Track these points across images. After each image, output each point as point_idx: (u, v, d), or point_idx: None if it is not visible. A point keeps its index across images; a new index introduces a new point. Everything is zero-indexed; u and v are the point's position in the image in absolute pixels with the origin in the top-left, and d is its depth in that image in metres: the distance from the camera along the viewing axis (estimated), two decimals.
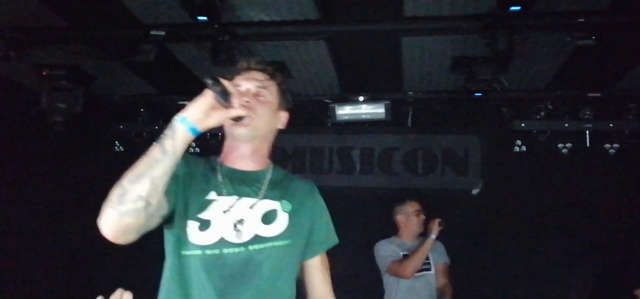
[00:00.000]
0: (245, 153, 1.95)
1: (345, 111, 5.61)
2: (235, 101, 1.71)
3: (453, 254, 5.35)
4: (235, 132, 1.89)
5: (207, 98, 1.66)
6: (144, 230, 1.67)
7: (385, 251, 4.58)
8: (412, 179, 5.91)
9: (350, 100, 5.63)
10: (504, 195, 5.56)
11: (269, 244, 1.84)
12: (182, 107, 5.46)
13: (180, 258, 1.80)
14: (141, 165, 1.61)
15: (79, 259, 5.47)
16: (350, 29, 4.26)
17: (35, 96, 5.00)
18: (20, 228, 5.21)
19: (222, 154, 2.00)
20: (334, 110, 5.61)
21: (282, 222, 1.89)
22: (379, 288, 4.70)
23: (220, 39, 4.19)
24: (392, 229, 5.39)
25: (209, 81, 1.66)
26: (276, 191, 1.95)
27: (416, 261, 4.40)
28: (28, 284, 5.07)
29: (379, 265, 4.60)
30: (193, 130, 1.65)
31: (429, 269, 4.54)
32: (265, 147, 2.02)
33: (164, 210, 1.74)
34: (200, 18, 3.83)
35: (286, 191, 1.97)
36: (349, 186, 5.91)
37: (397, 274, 4.46)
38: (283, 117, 2.06)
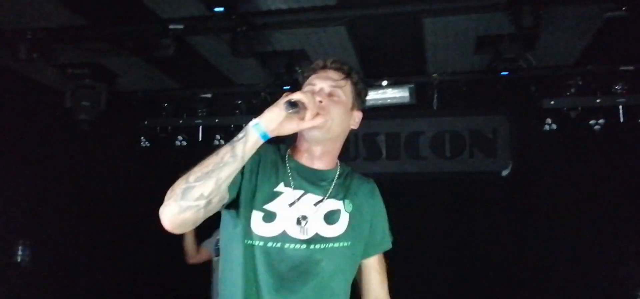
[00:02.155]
0: (315, 153, 1.94)
1: (368, 96, 5.48)
2: (309, 114, 1.71)
3: (484, 237, 5.27)
4: (308, 135, 1.88)
5: (282, 110, 1.67)
6: (201, 222, 1.72)
7: None
8: (440, 162, 5.81)
9: (374, 85, 5.53)
10: (534, 175, 5.43)
11: (330, 244, 1.84)
12: (205, 100, 5.47)
13: (244, 247, 1.81)
14: (210, 164, 1.65)
15: (108, 254, 5.53)
16: (369, 13, 4.17)
17: (60, 96, 5.06)
18: (51, 225, 5.29)
19: (294, 149, 1.98)
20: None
21: (343, 223, 1.88)
22: (403, 274, 4.64)
23: (239, 29, 4.16)
24: (421, 215, 5.35)
25: (286, 107, 1.67)
26: (341, 190, 1.94)
27: (185, 249, 4.57)
28: (57, 279, 5.16)
29: None
30: (265, 136, 1.68)
31: (218, 255, 4.48)
32: (336, 148, 1.99)
33: (224, 201, 1.76)
34: (216, 9, 3.81)
35: (349, 190, 1.96)
36: (376, 172, 5.84)
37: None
38: (357, 117, 2.01)
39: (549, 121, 5.38)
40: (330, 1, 3.97)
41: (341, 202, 1.91)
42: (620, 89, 5.13)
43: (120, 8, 4.13)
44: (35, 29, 4.35)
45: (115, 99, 5.33)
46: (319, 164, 1.94)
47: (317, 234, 1.83)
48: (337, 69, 1.95)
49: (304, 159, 1.94)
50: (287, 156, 1.95)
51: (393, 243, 2.06)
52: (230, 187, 1.73)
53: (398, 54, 5.03)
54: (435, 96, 5.64)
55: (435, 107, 5.67)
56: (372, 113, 5.71)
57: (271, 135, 1.68)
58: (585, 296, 5.04)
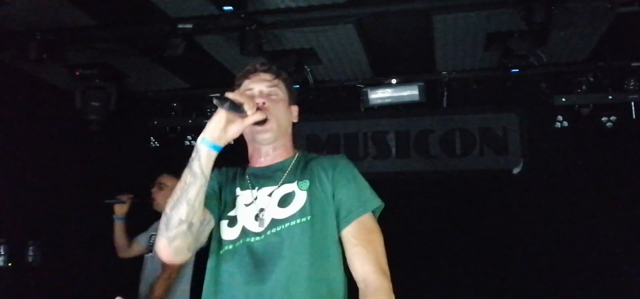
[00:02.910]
0: (268, 152, 2.04)
1: (378, 95, 5.51)
2: (248, 109, 1.78)
3: (495, 236, 5.23)
4: (259, 138, 1.99)
5: (220, 115, 1.76)
6: (198, 246, 1.87)
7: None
8: (450, 161, 5.78)
9: (383, 83, 5.52)
10: (546, 173, 5.39)
11: (286, 224, 1.86)
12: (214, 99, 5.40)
13: (217, 258, 1.92)
14: (177, 191, 1.77)
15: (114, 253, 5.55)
16: (378, 10, 4.14)
17: (70, 96, 5.08)
18: (62, 225, 5.31)
19: (250, 159, 2.10)
20: (366, 94, 5.52)
21: (298, 201, 1.90)
22: (413, 273, 4.63)
23: (248, 28, 4.15)
24: (431, 214, 5.32)
25: (217, 102, 1.75)
26: (296, 174, 1.99)
27: (114, 242, 4.58)
28: (67, 278, 5.19)
29: None
30: (215, 147, 1.77)
31: (150, 252, 4.49)
32: (286, 141, 2.09)
33: (211, 225, 1.91)
34: (225, 8, 3.81)
35: (305, 172, 1.99)
36: (385, 171, 5.82)
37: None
38: (295, 111, 2.15)
39: (560, 118, 5.32)
40: None
41: (295, 183, 1.95)
42: (632, 85, 5.07)
43: (130, 8, 4.13)
44: (45, 30, 4.36)
45: (124, 99, 5.34)
46: (274, 159, 2.04)
47: (272, 220, 1.88)
48: (267, 71, 2.07)
49: (259, 163, 2.05)
50: (247, 168, 2.08)
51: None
52: (210, 206, 1.89)
53: (407, 52, 5.01)
54: (445, 93, 5.61)
55: (445, 105, 5.64)
56: (381, 112, 5.71)
57: (220, 143, 1.77)
58: (599, 294, 4.99)
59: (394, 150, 5.91)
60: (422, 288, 5.11)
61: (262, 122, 1.90)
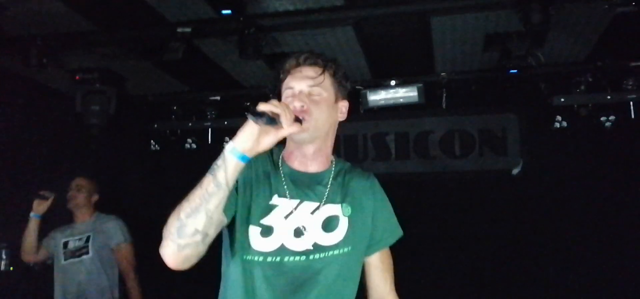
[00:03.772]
0: (308, 154, 1.89)
1: (377, 97, 5.53)
2: (285, 121, 1.61)
3: (495, 237, 5.24)
4: (296, 137, 1.83)
5: (254, 126, 1.59)
6: (205, 253, 1.69)
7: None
8: (450, 162, 5.79)
9: (382, 85, 5.53)
10: (545, 173, 5.40)
11: (330, 253, 1.81)
12: (214, 102, 5.50)
13: (243, 263, 1.79)
14: (196, 197, 1.61)
15: None
16: (377, 12, 4.16)
17: (71, 100, 5.10)
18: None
19: (285, 152, 1.93)
20: (366, 96, 5.54)
21: (342, 229, 1.84)
22: (412, 274, 4.63)
23: (246, 31, 4.17)
24: (431, 215, 5.33)
25: (251, 117, 1.58)
26: (338, 192, 1.89)
27: (23, 242, 4.28)
28: None
29: None
30: (244, 158, 1.61)
31: (86, 252, 4.26)
32: (328, 145, 1.94)
33: (223, 224, 1.74)
34: (224, 12, 3.83)
35: (347, 191, 1.90)
36: (385, 173, 5.83)
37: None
38: (343, 107, 1.95)
39: (559, 118, 5.34)
40: (337, 2, 3.97)
41: (339, 206, 1.86)
42: (631, 85, 5.09)
43: (129, 12, 4.15)
44: (46, 35, 4.39)
45: (124, 103, 5.36)
46: (312, 167, 1.90)
47: (315, 244, 1.80)
48: (312, 65, 1.88)
49: (296, 164, 1.90)
50: (280, 162, 1.91)
51: (403, 238, 1.99)
52: (225, 211, 1.69)
53: (406, 53, 5.02)
54: (444, 95, 5.63)
55: (444, 106, 5.66)
56: (380, 113, 5.72)
57: (250, 155, 1.62)
58: (598, 293, 4.99)
59: (393, 151, 5.93)
60: (422, 289, 5.11)
61: (297, 121, 1.71)
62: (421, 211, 5.41)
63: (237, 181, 1.72)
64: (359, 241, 1.88)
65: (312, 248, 1.79)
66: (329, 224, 1.83)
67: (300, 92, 1.84)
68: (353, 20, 4.24)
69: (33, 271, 4.96)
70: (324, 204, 1.85)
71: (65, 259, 4.28)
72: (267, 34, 4.29)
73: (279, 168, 1.89)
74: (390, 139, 5.95)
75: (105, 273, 4.28)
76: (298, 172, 1.89)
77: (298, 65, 1.88)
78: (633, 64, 5.05)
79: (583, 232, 5.12)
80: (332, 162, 1.95)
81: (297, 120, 1.69)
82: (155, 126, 6.10)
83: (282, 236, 1.79)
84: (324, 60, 1.90)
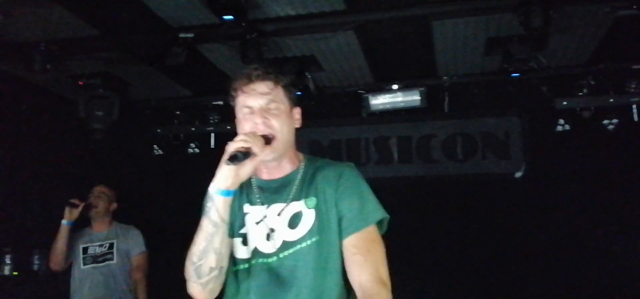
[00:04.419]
0: (272, 165, 1.95)
1: (379, 101, 5.54)
2: (257, 149, 1.74)
3: (498, 240, 5.23)
4: (267, 158, 1.88)
5: (229, 166, 1.73)
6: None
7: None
8: (452, 165, 5.79)
9: (384, 89, 5.54)
10: (548, 177, 5.39)
11: (297, 246, 1.84)
12: (217, 107, 5.50)
13: (232, 274, 1.91)
14: (201, 240, 1.77)
15: None
16: (378, 17, 4.17)
17: (74, 106, 5.12)
18: None
19: (255, 170, 1.97)
20: (367, 100, 5.55)
21: (306, 221, 1.87)
22: (416, 277, 4.63)
23: (248, 36, 4.18)
24: (434, 218, 5.33)
25: (228, 163, 1.71)
26: (303, 189, 1.92)
27: (54, 249, 4.31)
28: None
29: None
30: (229, 193, 1.76)
31: (111, 259, 4.39)
32: (291, 152, 1.99)
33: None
34: (226, 17, 3.84)
35: (313, 185, 1.92)
36: (388, 177, 5.83)
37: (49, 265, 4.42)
38: (297, 115, 2.00)
39: (561, 121, 5.32)
40: (338, 6, 3.98)
41: (302, 201, 1.90)
42: (633, 87, 5.08)
43: (132, 18, 4.18)
44: (49, 41, 4.41)
45: (128, 108, 5.38)
46: (279, 173, 1.96)
47: (283, 242, 1.86)
48: (263, 80, 1.90)
49: (265, 174, 1.97)
50: (253, 176, 1.97)
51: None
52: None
53: (408, 57, 5.03)
54: (446, 98, 5.63)
55: (446, 110, 5.66)
56: (383, 117, 5.74)
57: (234, 188, 1.76)
58: (601, 295, 4.98)
59: (396, 155, 5.93)
60: (425, 293, 5.12)
61: (267, 142, 1.82)
62: (424, 215, 5.42)
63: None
64: (327, 230, 1.86)
65: (281, 246, 1.86)
66: (294, 221, 1.88)
67: (260, 108, 1.87)
68: (354, 25, 4.25)
69: (37, 276, 4.99)
70: (289, 203, 1.91)
71: (84, 264, 4.42)
72: (269, 38, 4.31)
73: (251, 180, 1.96)
74: (393, 143, 5.95)
75: (125, 279, 4.46)
76: (267, 181, 1.97)
77: (250, 81, 1.90)
78: (635, 66, 5.04)
79: (586, 235, 5.11)
80: (300, 162, 2.00)
81: (267, 141, 1.82)
82: (159, 130, 6.11)
83: (255, 241, 1.90)
84: (274, 73, 1.93)
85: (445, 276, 5.35)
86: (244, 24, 4.10)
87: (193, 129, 6.02)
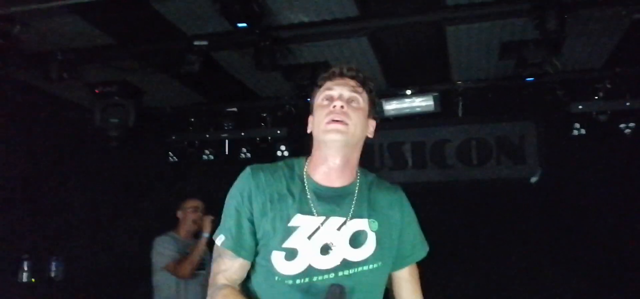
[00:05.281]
0: (335, 166, 1.83)
1: (393, 106, 5.52)
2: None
3: (513, 244, 5.19)
4: (328, 138, 1.78)
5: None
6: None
7: (165, 248, 4.41)
8: (467, 170, 5.77)
9: (398, 94, 5.53)
10: (564, 182, 5.34)
11: (359, 268, 1.79)
12: (231, 114, 5.50)
13: (272, 284, 1.79)
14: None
15: (138, 267, 5.61)
16: (391, 23, 4.18)
17: (90, 114, 5.18)
18: (83, 240, 5.40)
19: (310, 163, 1.89)
20: (381, 105, 5.53)
21: (370, 244, 1.82)
22: (431, 283, 4.59)
23: (262, 44, 4.21)
24: (448, 225, 5.29)
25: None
26: (364, 206, 1.86)
27: (192, 260, 4.31)
28: (89, 293, 5.27)
29: (154, 261, 4.42)
30: None
31: (203, 269, 4.38)
32: (355, 157, 1.89)
33: (248, 266, 1.85)
34: (240, 25, 3.86)
35: (374, 205, 1.88)
36: (402, 182, 5.75)
37: (175, 273, 4.35)
38: (372, 126, 1.93)
39: (577, 125, 5.26)
40: (351, 13, 3.99)
41: (366, 221, 1.83)
42: None
43: (147, 26, 4.23)
44: (65, 50, 4.47)
45: (143, 116, 5.42)
46: (338, 181, 1.85)
47: (344, 260, 1.77)
48: (353, 77, 1.88)
49: (321, 177, 1.85)
50: (304, 175, 1.87)
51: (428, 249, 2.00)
52: (245, 257, 1.81)
53: (422, 62, 5.02)
54: (461, 103, 5.60)
55: (460, 115, 5.62)
56: (397, 123, 5.71)
57: None
58: None
59: (410, 161, 5.92)
60: (440, 297, 5.09)
61: (337, 121, 1.75)
62: (439, 220, 5.37)
63: (250, 214, 1.79)
64: (387, 257, 1.86)
65: (340, 264, 1.77)
66: (356, 240, 1.80)
67: (341, 95, 1.83)
68: (368, 31, 4.27)
69: (54, 282, 5.03)
70: (350, 219, 1.82)
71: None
72: (283, 45, 4.33)
73: (304, 182, 1.85)
74: (407, 149, 5.94)
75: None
76: (324, 187, 1.84)
77: (341, 73, 1.89)
78: None
79: (603, 239, 5.06)
80: (357, 174, 1.91)
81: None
82: (173, 137, 6.16)
83: (308, 257, 1.76)
84: (364, 76, 1.92)
85: (459, 281, 5.32)
86: (257, 32, 4.13)
87: (207, 135, 6.05)
